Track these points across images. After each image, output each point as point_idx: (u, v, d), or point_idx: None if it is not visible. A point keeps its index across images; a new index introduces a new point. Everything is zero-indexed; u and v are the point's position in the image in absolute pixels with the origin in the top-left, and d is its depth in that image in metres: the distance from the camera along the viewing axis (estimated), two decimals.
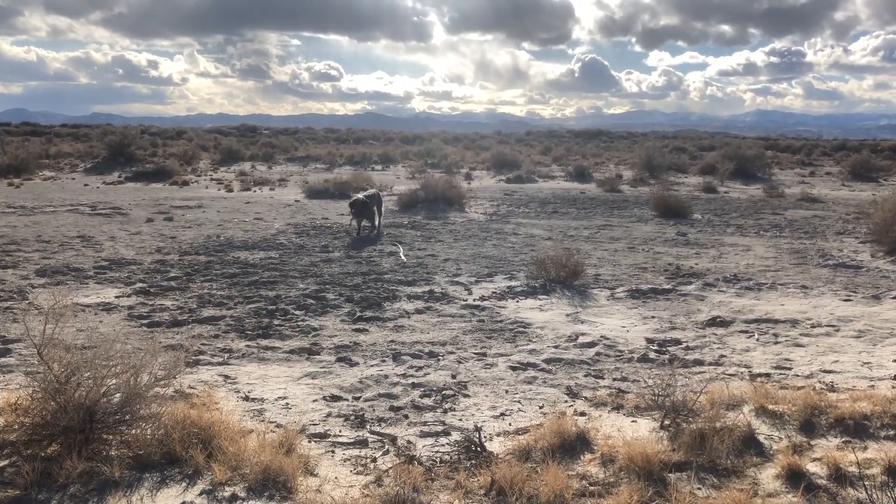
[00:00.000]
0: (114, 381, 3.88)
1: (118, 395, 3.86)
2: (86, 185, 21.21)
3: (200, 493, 3.46)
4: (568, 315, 7.49)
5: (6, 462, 3.69)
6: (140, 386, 3.89)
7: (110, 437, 3.82)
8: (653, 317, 7.47)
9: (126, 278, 8.80)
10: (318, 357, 6.08)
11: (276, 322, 7.05)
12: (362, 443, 4.29)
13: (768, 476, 3.68)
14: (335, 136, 58.05)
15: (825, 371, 5.68)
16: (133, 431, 3.84)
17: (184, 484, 3.54)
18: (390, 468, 3.77)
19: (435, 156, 34.82)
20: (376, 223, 12.99)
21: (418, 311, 7.55)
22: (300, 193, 19.52)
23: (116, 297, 7.90)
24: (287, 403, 4.96)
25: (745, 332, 6.91)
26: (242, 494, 3.42)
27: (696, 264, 10.35)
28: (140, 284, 8.46)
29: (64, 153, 31.28)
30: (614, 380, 5.53)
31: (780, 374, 5.62)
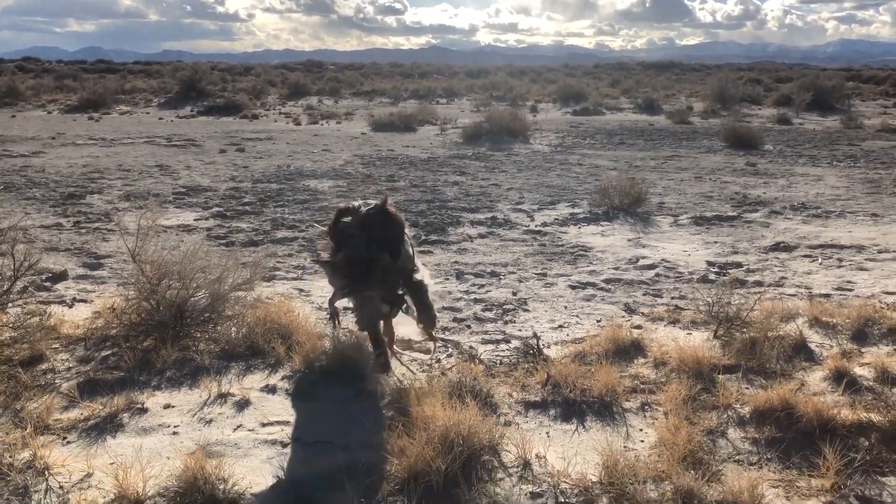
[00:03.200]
0: (200, 283, 4.23)
1: (205, 296, 4.22)
2: (160, 118, 21.91)
3: (282, 378, 3.85)
4: (629, 240, 7.58)
5: (109, 352, 4.11)
6: (224, 289, 4.24)
7: (199, 333, 4.20)
8: (715, 242, 7.50)
9: (203, 203, 9.23)
10: None
11: None
12: (427, 348, 4.56)
13: (816, 378, 3.82)
14: (400, 70, 57.84)
15: (887, 293, 5.69)
16: (219, 328, 4.21)
17: (267, 371, 3.93)
18: (454, 366, 4.05)
19: (500, 89, 34.52)
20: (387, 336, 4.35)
21: (481, 236, 7.75)
22: (366, 126, 19.75)
23: (195, 219, 8.34)
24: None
25: (809, 256, 6.90)
26: (320, 381, 3.77)
27: (764, 193, 10.22)
28: (217, 209, 8.88)
29: (138, 89, 32.19)
30: (672, 298, 5.65)
31: (841, 294, 5.65)
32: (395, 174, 11.77)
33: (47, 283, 5.73)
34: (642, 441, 3.29)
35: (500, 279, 6.19)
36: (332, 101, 30.53)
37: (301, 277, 6.24)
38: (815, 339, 4.35)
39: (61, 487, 2.76)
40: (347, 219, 3.78)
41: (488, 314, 5.28)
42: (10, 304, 4.30)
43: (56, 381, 3.77)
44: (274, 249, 7.08)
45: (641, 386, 3.79)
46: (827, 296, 5.59)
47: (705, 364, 3.87)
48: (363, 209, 3.81)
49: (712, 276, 6.23)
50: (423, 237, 7.61)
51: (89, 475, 2.85)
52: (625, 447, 3.19)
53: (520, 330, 4.90)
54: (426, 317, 4.15)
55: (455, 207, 9.13)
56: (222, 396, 3.59)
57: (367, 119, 20.78)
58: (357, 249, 3.63)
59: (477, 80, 42.32)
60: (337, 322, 4.35)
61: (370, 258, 3.63)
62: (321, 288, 5.90)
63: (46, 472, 2.84)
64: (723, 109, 25.23)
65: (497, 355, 4.36)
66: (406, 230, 4.06)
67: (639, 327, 4.85)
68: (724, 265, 6.60)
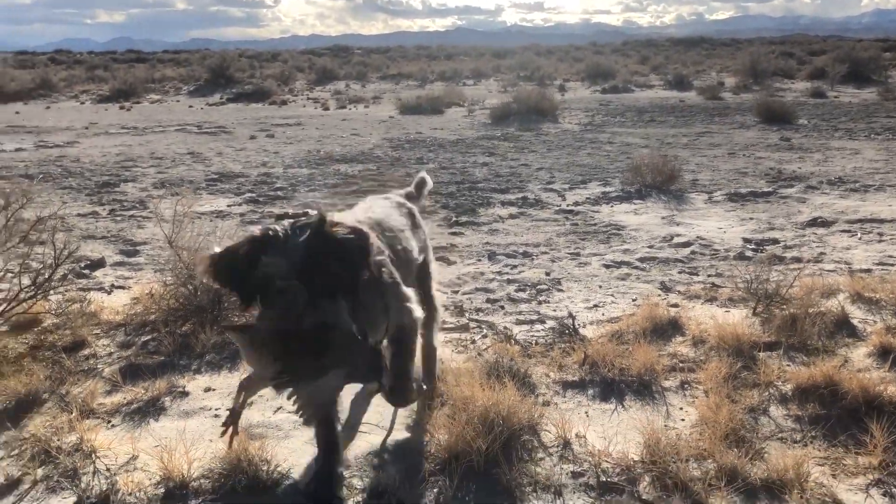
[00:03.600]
0: None
1: None
2: (190, 106, 22.08)
3: None
4: (663, 218, 7.50)
5: (149, 337, 4.17)
6: None
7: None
8: (751, 218, 7.38)
9: (235, 189, 9.30)
10: None
11: None
12: (462, 328, 4.56)
13: (860, 354, 3.75)
14: (426, 53, 57.64)
15: None
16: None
17: None
18: (489, 347, 4.04)
19: (527, 68, 34.23)
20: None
21: (512, 216, 7.71)
22: (394, 110, 19.73)
23: (228, 205, 8.40)
24: None
25: (848, 231, 6.77)
26: None
27: (799, 168, 10.03)
28: (249, 194, 8.94)
29: (168, 77, 32.46)
30: (708, 276, 5.58)
31: (883, 269, 5.54)
32: (424, 156, 11.74)
33: (86, 271, 5.82)
34: (683, 420, 3.26)
35: (533, 259, 6.15)
36: (359, 85, 30.53)
37: None
38: (857, 314, 4.27)
39: (108, 469, 2.81)
40: (272, 257, 2.31)
41: (521, 295, 5.26)
42: (51, 292, 4.38)
43: (98, 366, 3.83)
44: None
45: (680, 364, 3.75)
46: (868, 271, 5.48)
47: (745, 341, 3.82)
48: (298, 233, 2.36)
49: (749, 253, 6.14)
50: (454, 219, 7.59)
51: (134, 458, 2.89)
52: (665, 426, 3.17)
53: (554, 310, 4.87)
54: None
55: (485, 188, 9.09)
56: None
57: (394, 102, 20.75)
58: (293, 317, 2.22)
59: (504, 61, 42.00)
60: (233, 432, 2.58)
61: (322, 330, 2.26)
62: None
63: (93, 455, 2.89)
64: (755, 84, 24.79)
65: (532, 336, 4.34)
66: (409, 225, 3.33)
67: (675, 306, 4.80)
68: (760, 242, 6.50)
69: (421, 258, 3.42)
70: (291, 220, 2.41)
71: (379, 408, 3.27)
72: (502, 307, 5.01)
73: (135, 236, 7.02)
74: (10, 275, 4.25)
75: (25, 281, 4.17)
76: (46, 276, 4.22)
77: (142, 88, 26.13)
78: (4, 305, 4.12)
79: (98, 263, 6.04)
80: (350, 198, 8.62)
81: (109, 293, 5.21)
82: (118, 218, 7.79)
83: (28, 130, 15.74)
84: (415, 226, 3.47)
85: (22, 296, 4.14)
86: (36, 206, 4.70)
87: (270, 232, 2.36)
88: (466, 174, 10.14)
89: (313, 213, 2.47)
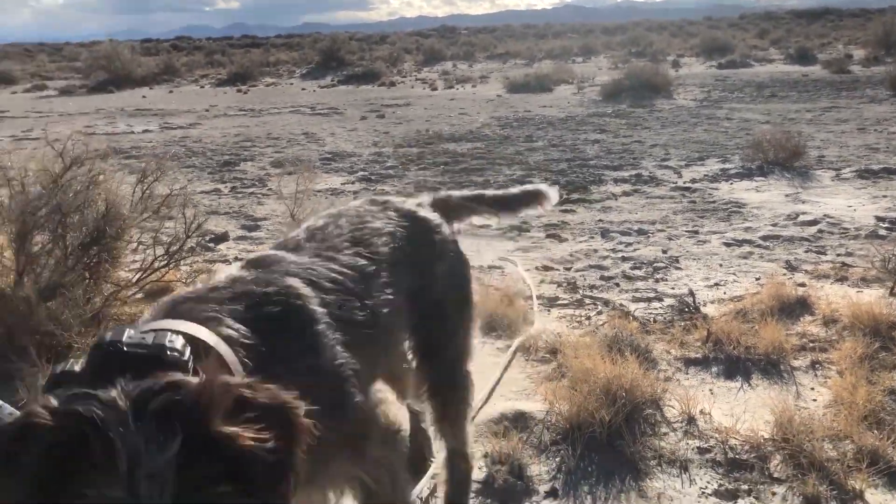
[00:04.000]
0: None
1: None
2: (303, 88, 22.72)
3: None
4: (787, 195, 7.16)
5: None
6: None
7: None
8: (884, 196, 6.94)
9: (349, 168, 9.52)
10: (528, 234, 6.34)
11: None
12: (577, 303, 4.52)
13: None
14: (533, 31, 57.01)
15: None
16: None
17: None
18: (606, 322, 3.98)
19: (639, 44, 33.29)
20: None
21: (625, 194, 7.55)
22: (501, 89, 19.65)
23: (342, 183, 8.62)
24: (502, 271, 5.28)
25: None
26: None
27: None
28: (362, 173, 9.13)
29: (281, 61, 33.51)
30: (838, 255, 5.29)
31: None
32: (533, 134, 11.65)
33: (211, 244, 6.12)
34: (814, 400, 3.11)
35: (648, 237, 6.01)
36: (466, 65, 30.56)
37: None
38: None
39: None
40: (95, 405, 1.09)
41: (637, 272, 5.15)
42: (182, 262, 4.62)
43: None
44: None
45: (810, 344, 3.58)
46: None
47: (883, 321, 3.60)
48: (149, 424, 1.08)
49: (883, 232, 5.78)
50: (565, 196, 7.50)
51: None
52: (796, 406, 3.04)
53: (672, 288, 4.75)
54: None
55: (597, 165, 8.94)
56: None
57: (502, 81, 20.66)
58: None
59: (614, 37, 41.02)
60: None
61: None
62: (465, 247, 5.95)
63: None
64: (887, 56, 23.18)
65: (650, 313, 4.25)
66: (413, 254, 2.14)
67: (803, 285, 4.58)
68: (895, 220, 6.10)
69: (435, 310, 2.22)
70: (133, 383, 1.14)
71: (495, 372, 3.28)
72: (617, 284, 4.92)
73: (255, 212, 7.31)
74: (142, 246, 4.51)
75: (158, 251, 4.41)
76: (178, 247, 4.45)
77: (257, 72, 27.08)
78: (139, 274, 4.38)
79: (222, 237, 6.33)
80: (460, 175, 8.67)
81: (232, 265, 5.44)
82: (239, 195, 8.12)
83: (154, 113, 16.62)
84: (431, 256, 2.24)
85: (156, 265, 4.39)
86: (166, 182, 4.96)
87: (89, 412, 1.08)
88: (577, 151, 9.99)
89: (175, 342, 1.32)
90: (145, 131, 13.55)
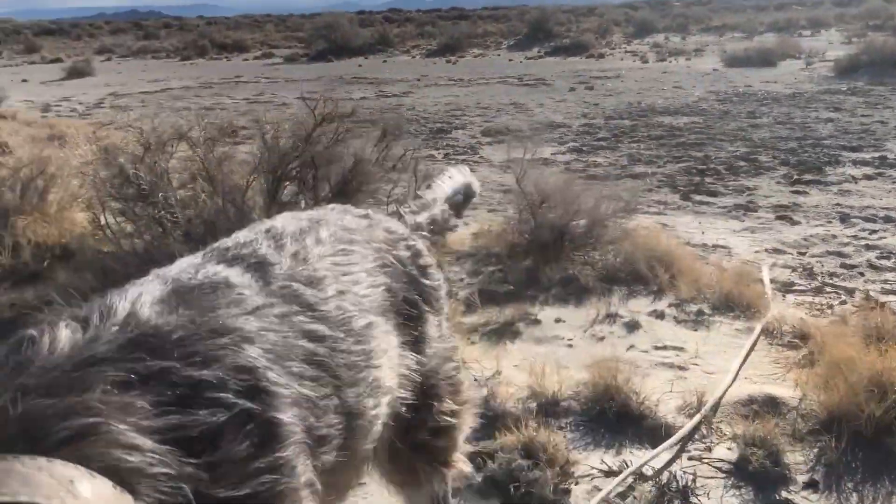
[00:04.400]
0: (580, 208, 4.32)
1: (584, 220, 4.30)
2: (510, 59, 22.80)
3: (669, 305, 3.81)
4: None
5: (494, 268, 4.42)
6: (603, 214, 4.28)
7: (577, 256, 4.31)
8: None
9: (558, 139, 9.43)
10: (755, 214, 5.97)
11: (707, 180, 7.03)
12: (816, 290, 4.19)
13: None
14: (753, 3, 53.31)
15: None
16: (596, 253, 4.28)
17: (651, 297, 3.92)
18: (855, 312, 3.65)
19: (879, 17, 30.10)
20: None
21: (867, 177, 6.89)
22: (718, 62, 18.59)
23: (552, 153, 8.55)
24: (729, 251, 5.01)
25: None
26: (707, 311, 3.66)
27: None
28: (572, 144, 9.03)
29: (489, 32, 33.79)
30: None
31: None
32: (756, 111, 10.92)
33: None
34: None
35: None
36: (679, 37, 29.19)
37: (663, 213, 6.10)
38: None
39: (476, 380, 3.01)
40: None
41: (886, 262, 4.69)
42: None
43: (453, 289, 4.13)
44: (632, 185, 7.00)
45: None
46: None
47: None
48: None
49: None
50: (796, 176, 6.98)
51: (499, 372, 3.08)
52: None
53: None
54: None
55: (831, 146, 8.22)
56: (610, 317, 3.65)
57: (718, 55, 19.54)
58: None
59: (848, 9, 37.39)
60: None
61: None
62: (685, 224, 5.71)
63: (463, 364, 3.12)
64: None
65: None
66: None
67: None
68: None
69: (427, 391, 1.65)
70: None
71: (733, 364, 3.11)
72: (861, 274, 4.51)
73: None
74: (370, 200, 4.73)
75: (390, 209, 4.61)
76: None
77: (465, 43, 27.51)
78: None
79: None
80: (677, 150, 8.32)
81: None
82: (452, 161, 8.30)
83: (369, 81, 17.41)
84: (408, 281, 1.60)
85: None
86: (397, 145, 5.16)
87: None
88: (808, 130, 9.24)
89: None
90: (363, 98, 14.22)
